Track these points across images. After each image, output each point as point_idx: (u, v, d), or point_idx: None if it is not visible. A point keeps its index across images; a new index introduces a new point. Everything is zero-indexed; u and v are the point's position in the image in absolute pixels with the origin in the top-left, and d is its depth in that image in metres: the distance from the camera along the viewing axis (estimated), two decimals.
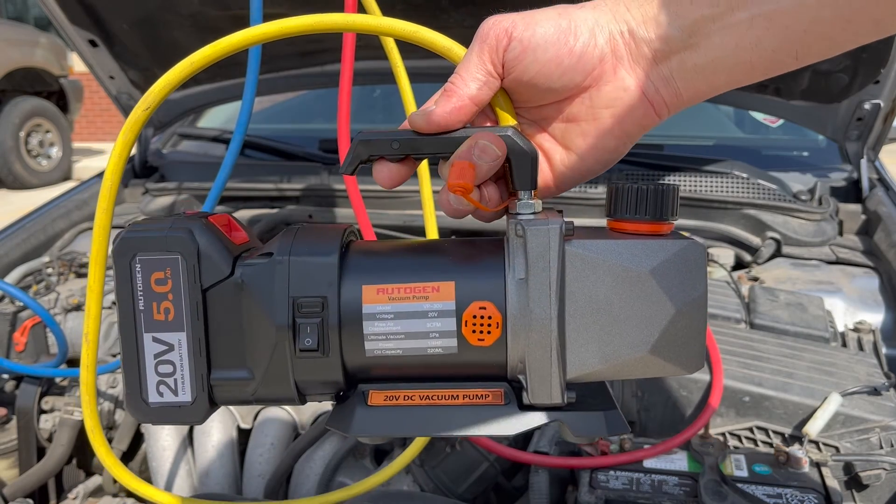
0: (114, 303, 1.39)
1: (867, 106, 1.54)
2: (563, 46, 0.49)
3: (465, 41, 0.54)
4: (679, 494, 0.89)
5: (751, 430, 1.03)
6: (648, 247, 0.49)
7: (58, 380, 1.38)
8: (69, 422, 1.32)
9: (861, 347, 1.19)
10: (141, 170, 1.93)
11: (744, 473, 0.90)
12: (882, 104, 1.53)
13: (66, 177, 7.18)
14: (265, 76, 1.70)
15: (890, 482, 0.93)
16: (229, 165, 0.93)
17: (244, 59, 0.86)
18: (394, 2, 1.40)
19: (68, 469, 1.38)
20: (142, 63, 1.74)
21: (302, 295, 0.50)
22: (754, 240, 1.51)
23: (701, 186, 1.57)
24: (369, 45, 0.99)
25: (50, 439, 1.34)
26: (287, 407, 1.24)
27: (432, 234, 0.93)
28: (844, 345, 1.20)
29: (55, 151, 7.04)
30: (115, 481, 1.33)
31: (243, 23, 1.66)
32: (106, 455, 0.61)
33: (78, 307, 1.46)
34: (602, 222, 0.54)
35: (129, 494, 1.22)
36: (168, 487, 1.24)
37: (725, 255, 1.48)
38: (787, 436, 1.01)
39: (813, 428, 0.97)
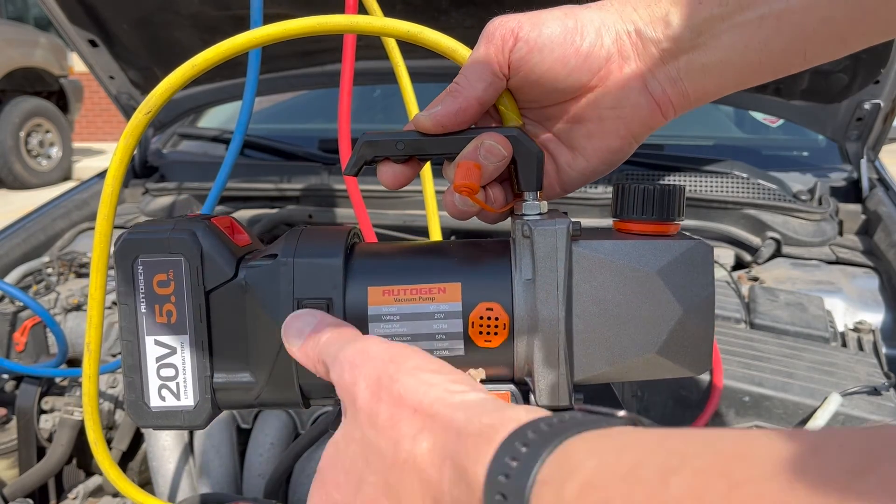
0: (114, 303, 1.39)
1: (867, 106, 1.54)
2: (569, 47, 0.49)
3: (466, 41, 0.54)
4: None
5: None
6: (655, 247, 0.48)
7: (58, 380, 1.38)
8: (69, 422, 1.32)
9: (861, 347, 1.19)
10: (141, 170, 1.92)
11: None
12: (882, 104, 1.53)
13: (66, 177, 7.19)
14: (265, 76, 1.70)
15: None
16: (229, 165, 0.93)
17: (244, 59, 0.86)
18: (394, 2, 1.40)
19: (68, 469, 1.38)
20: (142, 63, 1.74)
21: (307, 297, 0.49)
22: (754, 240, 1.51)
23: (701, 186, 1.57)
24: (370, 44, 0.99)
25: (50, 439, 1.34)
26: None
27: (435, 234, 0.93)
28: (844, 345, 1.20)
29: (55, 151, 7.04)
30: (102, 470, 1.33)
31: (243, 23, 1.66)
32: (110, 468, 0.60)
33: (78, 307, 1.46)
34: (604, 222, 0.54)
35: None
36: (168, 487, 1.24)
37: (725, 255, 1.48)
38: None
39: (813, 428, 0.97)
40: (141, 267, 0.50)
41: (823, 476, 0.20)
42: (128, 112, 1.86)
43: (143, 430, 1.33)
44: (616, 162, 0.54)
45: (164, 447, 1.26)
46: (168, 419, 0.52)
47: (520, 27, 0.49)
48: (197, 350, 0.51)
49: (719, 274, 1.38)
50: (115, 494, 1.31)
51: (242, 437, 1.26)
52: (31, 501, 1.21)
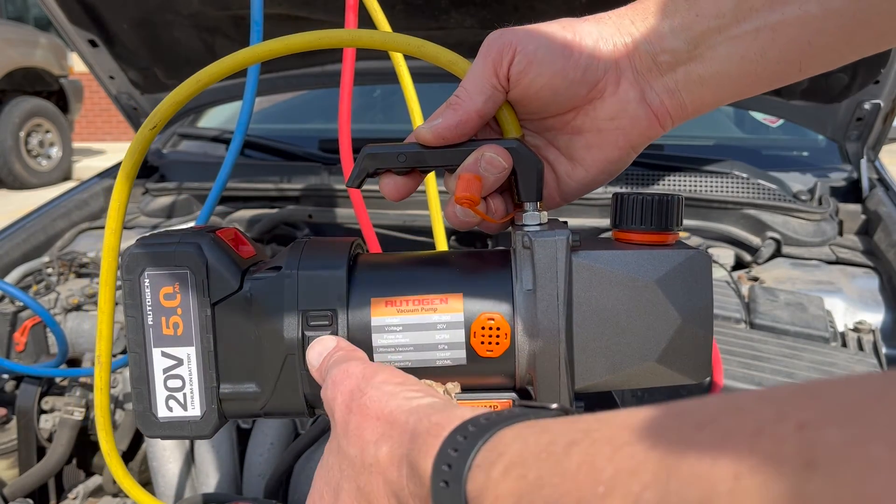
0: (118, 303, 1.39)
1: (867, 106, 1.54)
2: (567, 59, 0.49)
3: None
4: None
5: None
6: (654, 257, 0.49)
7: (58, 380, 1.38)
8: (69, 422, 1.32)
9: (861, 347, 1.19)
10: (141, 170, 1.93)
11: None
12: (882, 104, 1.53)
13: (66, 177, 7.19)
14: (265, 76, 1.70)
15: None
16: (229, 165, 0.93)
17: None
18: (394, 2, 1.40)
19: (68, 469, 1.38)
20: (142, 63, 1.74)
21: (311, 308, 0.50)
22: (754, 240, 1.51)
23: (701, 186, 1.57)
24: None
25: (50, 439, 1.34)
26: None
27: (439, 235, 0.93)
28: (844, 345, 1.20)
29: (55, 151, 7.05)
30: (114, 481, 1.33)
31: (244, 22, 1.66)
32: (124, 478, 0.61)
33: (78, 307, 1.46)
34: (604, 222, 0.55)
35: None
36: (168, 487, 1.24)
37: (725, 255, 1.48)
38: None
39: None
40: (147, 280, 0.51)
41: (677, 433, 0.25)
42: (128, 112, 1.86)
43: None
44: (615, 172, 0.55)
45: (165, 447, 1.26)
46: (175, 429, 0.52)
47: (518, 40, 0.50)
48: (203, 361, 0.51)
49: (719, 274, 1.38)
50: (115, 494, 1.31)
51: (242, 437, 1.26)
52: (31, 501, 1.21)
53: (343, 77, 0.87)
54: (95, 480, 1.35)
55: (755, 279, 1.41)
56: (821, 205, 1.54)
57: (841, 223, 1.57)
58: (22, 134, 6.62)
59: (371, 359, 0.50)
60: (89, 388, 1.33)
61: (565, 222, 0.52)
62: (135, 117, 1.88)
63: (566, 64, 0.49)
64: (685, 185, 1.58)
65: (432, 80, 1.41)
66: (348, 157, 0.88)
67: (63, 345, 1.27)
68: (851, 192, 1.64)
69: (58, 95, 7.03)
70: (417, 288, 0.50)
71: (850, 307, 1.32)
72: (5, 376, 1.39)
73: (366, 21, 0.86)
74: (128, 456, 1.38)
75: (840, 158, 1.73)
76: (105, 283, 0.58)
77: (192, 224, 1.35)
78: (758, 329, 1.19)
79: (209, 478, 1.22)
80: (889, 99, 1.52)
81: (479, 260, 0.53)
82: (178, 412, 0.52)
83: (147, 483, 1.37)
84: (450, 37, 1.49)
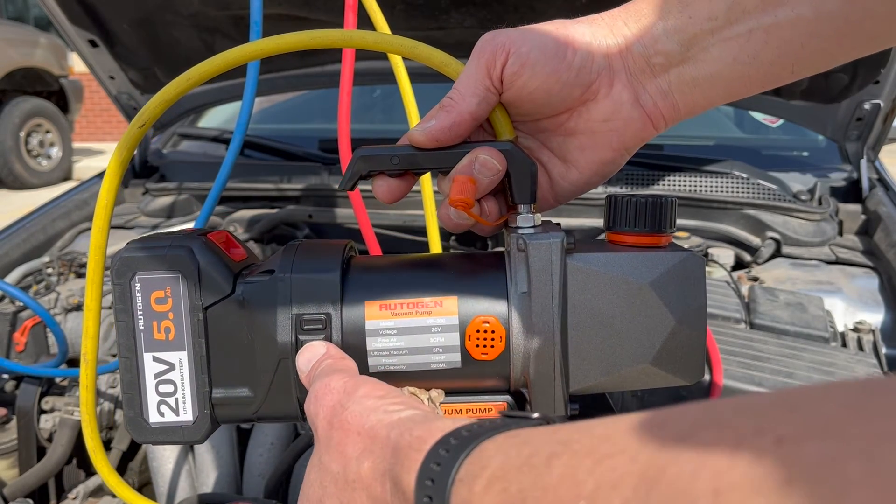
0: (105, 295, 1.39)
1: (867, 106, 1.54)
2: (561, 61, 0.49)
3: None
4: None
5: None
6: (648, 259, 0.49)
7: (58, 380, 1.38)
8: (69, 422, 1.32)
9: (861, 347, 1.19)
10: (141, 170, 1.93)
11: None
12: (882, 104, 1.53)
13: (66, 177, 7.19)
14: (265, 76, 1.70)
15: None
16: (229, 165, 0.93)
17: None
18: (394, 3, 1.40)
19: (68, 469, 1.38)
20: (142, 63, 1.74)
21: (304, 312, 0.50)
22: (754, 240, 1.51)
23: (701, 186, 1.57)
24: None
25: (50, 439, 1.34)
26: None
27: (433, 235, 0.93)
28: (844, 345, 1.20)
29: (55, 151, 7.05)
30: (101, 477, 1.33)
31: (243, 22, 1.66)
32: (109, 475, 0.61)
33: (78, 307, 1.46)
34: (601, 222, 0.55)
35: None
36: (168, 487, 1.24)
37: (725, 255, 1.48)
38: None
39: None
40: (138, 284, 0.50)
41: (658, 446, 0.24)
42: (128, 112, 1.86)
43: None
44: (609, 173, 0.55)
45: (164, 447, 1.26)
46: (167, 435, 0.52)
47: (511, 42, 0.49)
48: (195, 366, 0.51)
49: (719, 274, 1.38)
50: (116, 494, 1.31)
51: (242, 437, 1.26)
52: (31, 501, 1.21)
53: (343, 77, 0.87)
54: (95, 480, 1.35)
55: (755, 279, 1.41)
56: (821, 205, 1.54)
57: (841, 223, 1.57)
58: (22, 134, 6.62)
59: (365, 363, 0.50)
60: None
61: (559, 224, 0.52)
62: (134, 117, 1.88)
63: (560, 65, 0.49)
64: (685, 185, 1.58)
65: (431, 80, 1.41)
66: (348, 157, 0.88)
67: (63, 345, 1.27)
68: (851, 192, 1.64)
69: (58, 95, 7.03)
70: (411, 291, 0.50)
71: (850, 307, 1.32)
72: (5, 376, 1.39)
73: (365, 21, 0.86)
74: (128, 456, 1.38)
75: (840, 158, 1.72)
76: (91, 281, 0.58)
77: (192, 224, 1.35)
78: (758, 329, 1.19)
79: (209, 478, 1.22)
80: (889, 99, 1.52)
81: (473, 262, 0.53)
82: (169, 417, 0.52)
83: (147, 483, 1.37)
84: (450, 37, 1.49)
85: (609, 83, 0.51)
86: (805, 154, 1.94)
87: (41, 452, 1.35)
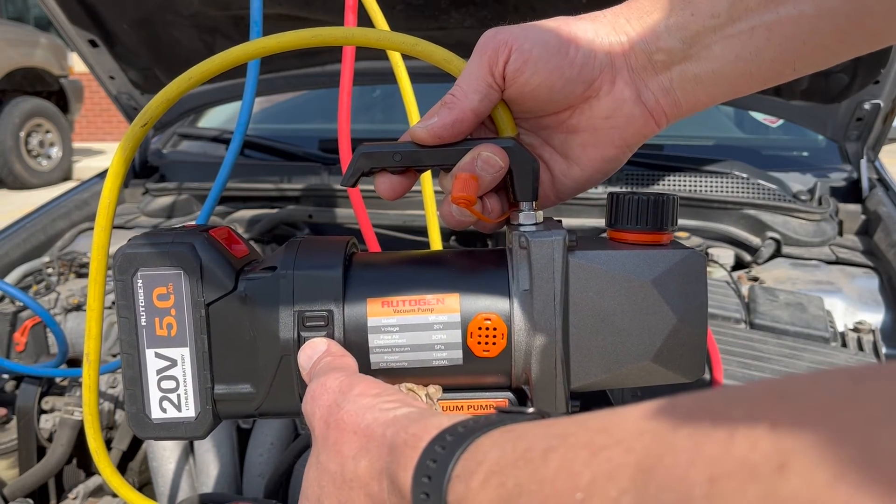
0: (114, 302, 1.39)
1: (867, 106, 1.54)
2: (563, 58, 0.49)
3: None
4: None
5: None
6: (650, 257, 0.49)
7: (58, 380, 1.38)
8: (69, 422, 1.32)
9: (861, 347, 1.19)
10: (141, 170, 1.93)
11: None
12: (882, 104, 1.53)
13: (66, 177, 7.19)
14: (265, 76, 1.70)
15: None
16: (229, 165, 0.93)
17: None
18: (394, 2, 1.40)
19: (68, 469, 1.38)
20: (142, 63, 1.74)
21: (307, 308, 0.50)
22: (754, 240, 1.51)
23: (701, 186, 1.57)
24: None
25: (50, 439, 1.35)
26: None
27: (434, 235, 0.93)
28: (844, 345, 1.20)
29: (55, 151, 7.05)
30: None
31: (243, 22, 1.66)
32: (112, 476, 0.61)
33: (78, 307, 1.46)
34: (601, 221, 0.55)
35: None
36: (168, 487, 1.24)
37: (725, 255, 1.48)
38: None
39: None
40: (140, 280, 0.50)
41: (652, 436, 0.25)
42: (128, 112, 1.86)
43: None
44: (611, 170, 0.55)
45: (165, 447, 1.26)
46: (169, 430, 0.52)
47: (514, 39, 0.49)
48: (197, 362, 0.51)
49: (719, 274, 1.38)
50: (116, 494, 1.31)
51: (242, 437, 1.26)
52: (31, 501, 1.21)
53: (343, 77, 0.87)
54: (95, 480, 1.35)
55: (755, 279, 1.41)
56: (821, 205, 1.54)
57: (841, 223, 1.57)
58: (22, 134, 6.62)
59: (367, 359, 0.50)
60: None
61: (560, 221, 0.52)
62: (135, 117, 1.88)
63: (562, 62, 0.49)
64: (685, 185, 1.58)
65: (431, 80, 1.41)
66: (348, 157, 0.88)
67: (63, 345, 1.27)
68: (851, 192, 1.64)
69: (58, 95, 7.03)
70: (414, 288, 0.50)
71: (850, 307, 1.32)
72: (5, 376, 1.39)
73: (366, 21, 0.86)
74: (128, 456, 1.38)
75: (840, 158, 1.73)
76: (94, 281, 0.58)
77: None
78: (758, 329, 1.19)
79: (209, 478, 1.22)
80: (889, 99, 1.52)
81: (475, 259, 0.53)
82: (172, 413, 0.52)
83: (147, 483, 1.37)
84: (450, 37, 1.49)
85: (611, 80, 0.51)
86: (805, 154, 1.94)
87: (41, 452, 1.35)
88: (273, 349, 0.50)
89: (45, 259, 1.59)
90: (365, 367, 0.50)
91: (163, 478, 1.24)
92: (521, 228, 0.50)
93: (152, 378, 0.51)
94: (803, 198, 1.58)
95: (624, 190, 0.52)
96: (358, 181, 0.53)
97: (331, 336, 0.50)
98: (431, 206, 0.93)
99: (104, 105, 9.27)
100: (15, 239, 1.60)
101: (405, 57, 0.87)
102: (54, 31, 5.97)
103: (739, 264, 1.51)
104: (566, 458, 0.27)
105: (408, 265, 0.53)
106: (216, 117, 2.23)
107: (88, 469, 1.42)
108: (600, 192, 1.53)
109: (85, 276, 1.57)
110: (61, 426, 1.32)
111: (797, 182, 1.67)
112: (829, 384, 0.22)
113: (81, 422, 1.32)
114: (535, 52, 0.49)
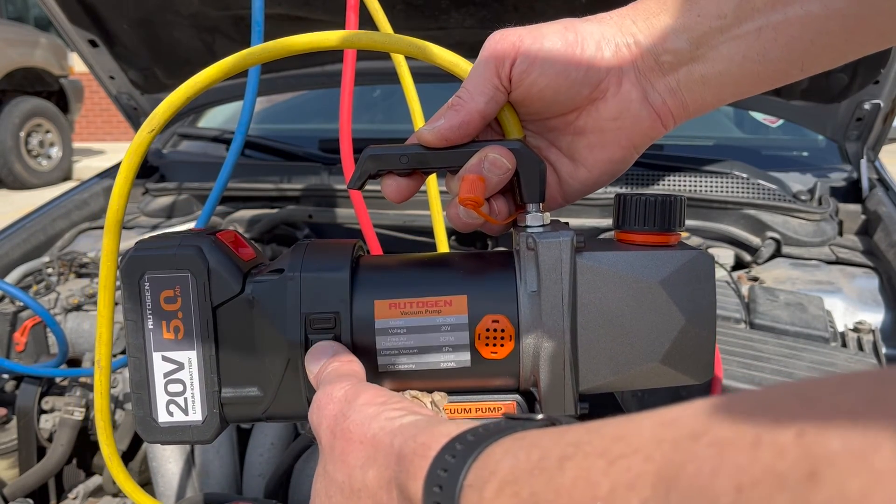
0: (116, 303, 1.39)
1: (867, 106, 1.54)
2: (570, 60, 0.49)
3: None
4: None
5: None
6: (658, 258, 0.49)
7: (58, 380, 1.38)
8: (69, 422, 1.32)
9: (861, 347, 1.19)
10: (141, 170, 1.92)
11: None
12: (882, 104, 1.53)
13: (66, 177, 7.19)
14: (265, 76, 1.70)
15: None
16: (230, 166, 0.93)
17: None
18: (394, 2, 1.39)
19: (68, 469, 1.38)
20: (142, 63, 1.74)
21: (314, 311, 0.50)
22: (754, 240, 1.51)
23: (701, 186, 1.57)
24: None
25: (50, 439, 1.34)
26: None
27: (440, 236, 0.93)
28: (844, 345, 1.20)
29: (55, 151, 7.05)
30: (115, 482, 1.33)
31: (244, 22, 1.66)
32: (125, 481, 0.60)
33: (78, 307, 1.46)
34: (605, 222, 0.55)
35: None
36: (168, 487, 1.24)
37: (725, 255, 1.48)
38: None
39: None
40: (147, 283, 0.50)
41: (671, 444, 0.24)
42: (128, 112, 1.86)
43: None
44: (617, 172, 0.55)
45: (165, 447, 1.26)
46: (176, 434, 0.52)
47: (521, 41, 0.49)
48: (205, 365, 0.51)
49: (719, 274, 1.38)
50: (115, 494, 1.31)
51: (242, 437, 1.26)
52: (31, 501, 1.21)
53: (344, 77, 0.87)
54: (95, 480, 1.35)
55: (755, 279, 1.41)
56: (821, 205, 1.54)
57: (841, 223, 1.57)
58: (22, 134, 6.61)
59: (375, 362, 0.50)
60: (89, 388, 1.33)
61: (566, 223, 0.52)
62: (135, 117, 1.88)
63: (568, 64, 0.49)
64: (685, 186, 1.58)
65: (434, 80, 1.41)
66: (349, 157, 0.88)
67: (63, 345, 1.27)
68: (851, 192, 1.64)
69: (58, 95, 7.03)
70: (421, 290, 0.50)
71: (850, 307, 1.32)
72: (5, 376, 1.39)
73: (366, 21, 0.86)
74: (128, 456, 1.38)
75: (840, 158, 1.73)
76: (104, 287, 0.57)
77: (192, 224, 1.35)
78: (758, 329, 1.19)
79: (209, 478, 1.22)
80: (889, 99, 1.52)
81: (482, 261, 0.53)
82: (179, 417, 0.51)
83: (147, 483, 1.37)
84: (450, 37, 1.49)
85: (618, 82, 0.51)
86: (805, 154, 1.95)
87: (41, 452, 1.35)
88: (280, 352, 0.50)
89: (45, 259, 1.58)
90: (372, 370, 0.50)
91: (163, 478, 1.24)
92: (529, 230, 0.50)
93: (159, 382, 0.51)
94: (803, 198, 1.58)
95: (631, 191, 0.52)
96: (365, 183, 0.53)
97: (338, 338, 0.50)
98: (437, 207, 0.92)
99: (104, 105, 9.27)
100: (15, 239, 1.60)
101: (408, 57, 0.87)
102: (54, 31, 5.96)
103: (739, 264, 1.51)
104: (582, 466, 0.27)
105: (415, 267, 0.53)
106: (216, 117, 2.23)
107: (88, 469, 1.42)
108: (602, 192, 1.53)
109: (85, 276, 1.57)
110: (61, 426, 1.32)
111: (797, 182, 1.67)
112: (857, 387, 0.22)
113: (81, 422, 1.32)
114: (542, 54, 0.49)
